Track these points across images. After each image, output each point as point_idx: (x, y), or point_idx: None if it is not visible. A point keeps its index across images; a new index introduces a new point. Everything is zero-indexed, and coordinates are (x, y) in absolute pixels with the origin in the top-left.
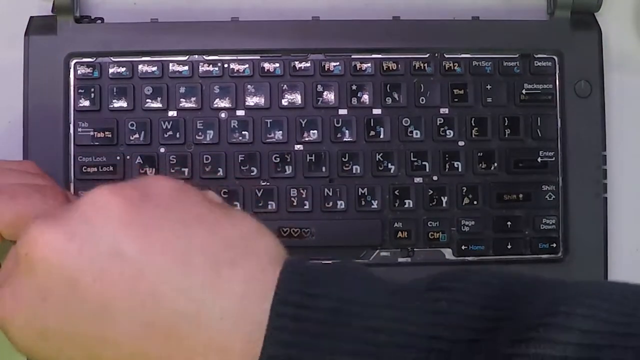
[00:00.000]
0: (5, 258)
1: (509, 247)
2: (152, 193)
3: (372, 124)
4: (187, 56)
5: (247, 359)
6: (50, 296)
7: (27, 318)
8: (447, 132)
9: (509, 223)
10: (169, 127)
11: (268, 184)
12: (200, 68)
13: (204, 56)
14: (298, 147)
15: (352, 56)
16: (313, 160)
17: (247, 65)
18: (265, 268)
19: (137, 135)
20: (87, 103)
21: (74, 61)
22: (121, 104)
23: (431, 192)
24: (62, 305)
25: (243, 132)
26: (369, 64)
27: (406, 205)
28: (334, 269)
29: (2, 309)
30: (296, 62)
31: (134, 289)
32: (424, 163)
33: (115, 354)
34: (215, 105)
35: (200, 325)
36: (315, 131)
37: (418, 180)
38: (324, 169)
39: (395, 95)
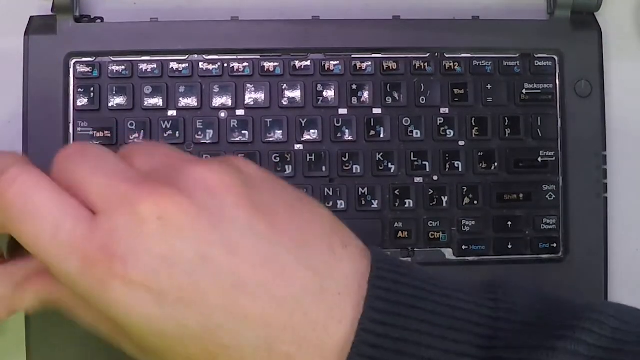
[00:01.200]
0: (105, 206)
1: (510, 247)
2: (255, 176)
3: (372, 124)
4: (187, 55)
5: (353, 328)
6: (177, 261)
7: (146, 276)
8: (448, 131)
9: (509, 223)
10: (168, 126)
11: None
12: (200, 67)
13: (204, 55)
14: (298, 146)
15: (352, 56)
16: (313, 159)
17: (247, 65)
18: (363, 250)
19: (136, 135)
20: (86, 102)
21: (74, 60)
22: (121, 103)
23: (431, 192)
24: (188, 272)
25: (243, 132)
26: (369, 64)
27: (406, 205)
28: (405, 260)
29: (115, 265)
30: (296, 62)
31: (266, 267)
32: (424, 163)
33: (238, 326)
34: (215, 105)
35: (323, 300)
36: (315, 131)
37: (418, 180)
38: (324, 168)
39: (396, 95)
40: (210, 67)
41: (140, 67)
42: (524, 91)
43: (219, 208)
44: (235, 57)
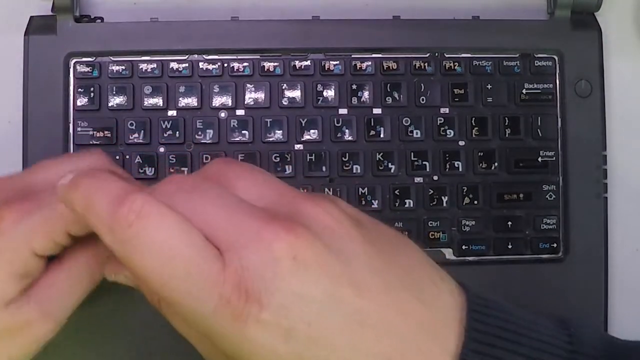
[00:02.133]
0: (235, 243)
1: (510, 247)
2: (353, 213)
3: (372, 124)
4: (187, 55)
5: (456, 357)
6: (309, 300)
7: (279, 315)
8: (448, 131)
9: (509, 223)
10: (168, 126)
11: None
12: (200, 67)
13: (204, 55)
14: (298, 146)
15: (352, 56)
16: (313, 159)
17: (247, 65)
18: (455, 284)
19: (136, 135)
20: (86, 102)
21: (74, 61)
22: (121, 103)
23: (431, 191)
24: (318, 311)
25: (243, 132)
26: (369, 64)
27: (406, 205)
28: (492, 298)
29: (250, 305)
30: (296, 62)
31: (388, 303)
32: (424, 163)
33: (372, 351)
34: (215, 105)
35: (434, 332)
36: (315, 131)
37: (418, 180)
38: (324, 168)
39: (396, 95)
40: (210, 67)
41: (140, 67)
42: (524, 91)
43: (341, 246)
44: (235, 57)
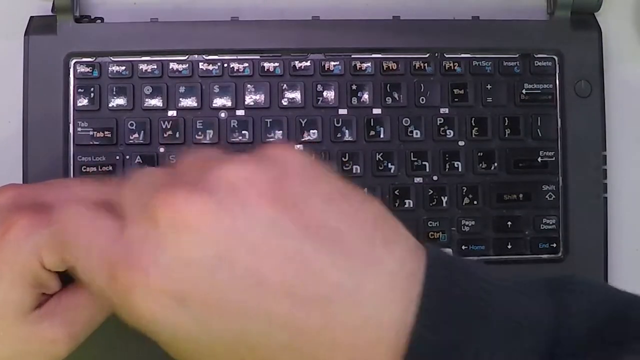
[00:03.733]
0: (129, 219)
1: (509, 247)
2: (289, 167)
3: (372, 124)
4: (187, 56)
5: (399, 333)
6: (195, 264)
7: (165, 282)
8: (447, 132)
9: (509, 223)
10: (168, 126)
11: None
12: (200, 67)
13: (204, 56)
14: (298, 146)
15: (352, 56)
16: None
17: (247, 65)
18: (413, 248)
19: (136, 135)
20: (86, 102)
21: (74, 61)
22: (121, 103)
23: (431, 192)
24: (208, 273)
25: (243, 132)
26: (369, 64)
27: (406, 205)
28: (462, 258)
29: (135, 274)
30: (296, 62)
31: (291, 265)
32: (424, 163)
33: (264, 327)
34: (215, 105)
35: (357, 302)
36: (315, 131)
37: (418, 180)
38: None
39: (395, 95)
40: (210, 67)
41: (140, 67)
42: (523, 91)
43: (240, 206)
44: (235, 57)
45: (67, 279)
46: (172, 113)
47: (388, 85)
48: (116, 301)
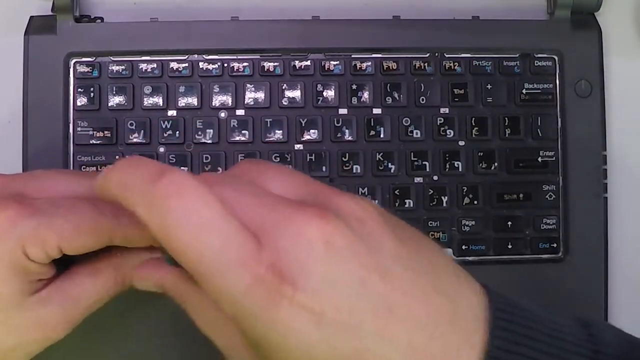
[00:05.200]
0: (276, 233)
1: (510, 247)
2: (380, 210)
3: (372, 124)
4: (187, 55)
5: (482, 354)
6: (340, 285)
7: (311, 299)
8: (447, 131)
9: (509, 223)
10: (168, 126)
11: None
12: (200, 67)
13: (204, 55)
14: (298, 146)
15: (352, 56)
16: (313, 159)
17: (247, 65)
18: (475, 281)
19: (136, 135)
20: (86, 102)
21: (74, 60)
22: (121, 103)
23: (431, 192)
24: (348, 296)
25: (243, 132)
26: (369, 64)
27: (406, 205)
28: (514, 298)
29: (284, 286)
30: (296, 62)
31: (413, 291)
32: (424, 163)
33: (385, 349)
34: (215, 105)
35: (457, 325)
36: (315, 131)
37: (418, 180)
38: (324, 168)
39: (396, 95)
40: (210, 67)
41: (140, 67)
42: (524, 91)
43: (370, 236)
44: (235, 57)
45: (64, 262)
46: (172, 113)
47: (388, 85)
48: (250, 307)
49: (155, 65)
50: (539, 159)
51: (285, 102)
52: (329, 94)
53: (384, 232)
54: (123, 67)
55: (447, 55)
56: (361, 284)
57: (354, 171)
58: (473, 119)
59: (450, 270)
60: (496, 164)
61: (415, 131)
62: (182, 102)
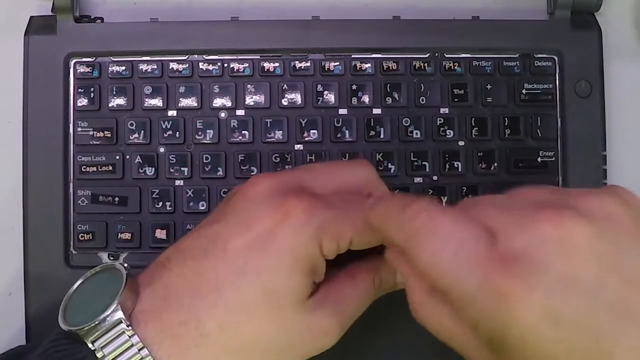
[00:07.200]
0: (510, 232)
1: None
2: (634, 212)
3: (372, 124)
4: (187, 56)
5: None
6: (577, 284)
7: (547, 298)
8: (447, 132)
9: None
10: (168, 126)
11: None
12: (200, 67)
13: (204, 56)
14: (298, 146)
15: (352, 56)
16: (313, 160)
17: (247, 65)
18: None
19: (136, 135)
20: (86, 102)
21: (74, 61)
22: (121, 103)
23: (431, 192)
24: (585, 295)
25: (243, 132)
26: (369, 64)
27: None
28: None
29: (518, 284)
30: (296, 62)
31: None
32: (424, 163)
33: (624, 356)
34: (215, 105)
35: None
36: (316, 131)
37: (418, 180)
38: None
39: (395, 95)
40: (210, 67)
41: (140, 67)
42: (523, 91)
43: (617, 236)
44: (235, 57)
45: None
46: (172, 113)
47: (388, 85)
48: (483, 305)
49: (155, 66)
50: (539, 159)
51: (285, 102)
52: (329, 94)
53: (633, 233)
54: (123, 67)
55: (447, 56)
56: (597, 284)
57: None
58: (473, 119)
59: None
60: (496, 164)
61: (415, 131)
62: (182, 102)
